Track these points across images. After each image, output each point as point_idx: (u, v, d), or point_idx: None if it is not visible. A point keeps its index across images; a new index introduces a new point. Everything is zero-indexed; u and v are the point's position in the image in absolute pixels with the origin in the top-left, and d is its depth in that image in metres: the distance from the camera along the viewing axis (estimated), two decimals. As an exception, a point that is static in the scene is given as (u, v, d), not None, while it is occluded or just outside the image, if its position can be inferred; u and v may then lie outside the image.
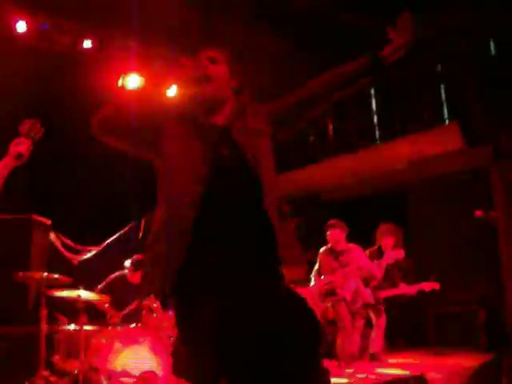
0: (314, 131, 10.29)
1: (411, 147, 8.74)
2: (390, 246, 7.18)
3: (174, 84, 8.48)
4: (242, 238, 2.31)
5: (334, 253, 6.96)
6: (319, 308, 6.59)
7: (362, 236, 8.92)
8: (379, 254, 7.21)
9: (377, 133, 10.31)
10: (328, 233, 7.02)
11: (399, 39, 2.59)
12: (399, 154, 8.96)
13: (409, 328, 8.76)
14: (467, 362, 6.70)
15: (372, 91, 10.16)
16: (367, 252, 7.20)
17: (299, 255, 8.21)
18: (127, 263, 6.17)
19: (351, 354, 6.42)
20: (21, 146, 3.47)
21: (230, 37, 8.38)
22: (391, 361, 7.10)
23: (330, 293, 6.70)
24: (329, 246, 7.06)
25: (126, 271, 6.18)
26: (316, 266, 7.15)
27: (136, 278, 6.06)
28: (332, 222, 7.09)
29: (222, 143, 2.48)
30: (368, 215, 9.07)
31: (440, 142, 8.61)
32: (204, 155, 2.41)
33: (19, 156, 3.47)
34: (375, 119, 10.90)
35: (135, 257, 6.17)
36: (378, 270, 6.95)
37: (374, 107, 10.64)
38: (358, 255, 6.90)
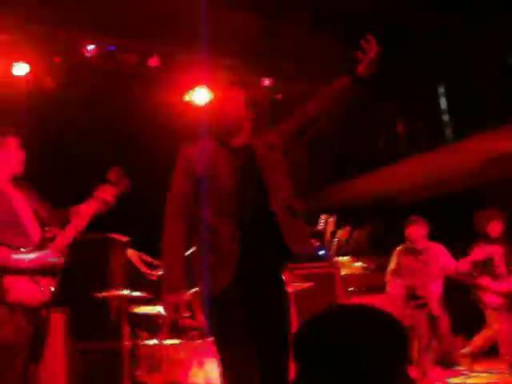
0: (383, 134, 10.13)
1: (487, 144, 8.46)
2: (498, 232, 6.36)
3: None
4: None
5: (414, 252, 6.34)
6: (401, 315, 5.97)
7: (441, 238, 8.72)
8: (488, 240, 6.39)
9: (448, 131, 10.05)
10: (408, 229, 6.41)
11: (367, 57, 3.09)
12: (474, 151, 8.69)
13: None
14: None
15: (442, 89, 9.91)
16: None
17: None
18: None
19: (426, 364, 5.97)
20: (108, 194, 3.61)
21: (289, 43, 8.38)
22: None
23: (411, 296, 6.14)
24: (408, 244, 6.44)
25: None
26: (391, 267, 6.48)
27: None
28: (413, 217, 6.49)
29: (242, 159, 3.16)
30: (444, 216, 8.84)
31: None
32: (230, 171, 3.10)
33: (106, 203, 3.60)
34: (446, 118, 10.63)
35: None
36: (465, 265, 6.28)
37: (444, 105, 10.38)
38: (439, 253, 6.33)
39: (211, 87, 8.19)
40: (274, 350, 2.99)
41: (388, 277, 6.50)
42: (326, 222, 7.55)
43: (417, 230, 6.36)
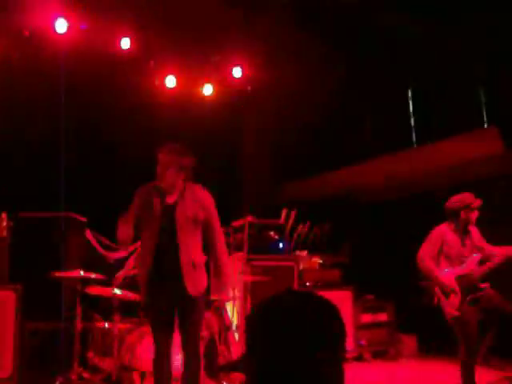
0: (351, 132, 10.20)
1: (450, 150, 8.59)
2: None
3: (208, 83, 8.58)
4: None
5: (460, 233, 5.32)
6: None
7: (391, 238, 8.86)
8: None
9: (413, 135, 10.17)
10: (473, 206, 5.31)
11: None
12: (437, 157, 8.81)
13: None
14: None
15: (409, 93, 10.03)
16: None
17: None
18: None
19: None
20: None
21: (266, 34, 8.38)
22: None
23: (467, 288, 5.12)
24: (455, 225, 5.33)
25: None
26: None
27: None
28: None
29: (168, 214, 4.27)
30: (403, 217, 8.95)
31: (479, 146, 8.45)
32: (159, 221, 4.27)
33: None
34: (412, 121, 10.76)
35: None
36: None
37: (411, 109, 10.51)
38: (479, 238, 5.41)
39: (180, 73, 8.14)
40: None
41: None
42: (287, 215, 7.59)
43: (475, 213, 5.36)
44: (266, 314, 1.46)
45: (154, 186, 4.33)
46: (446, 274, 5.15)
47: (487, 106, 9.14)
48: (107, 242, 6.29)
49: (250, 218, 7.07)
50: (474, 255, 5.22)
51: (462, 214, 5.26)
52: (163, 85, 8.30)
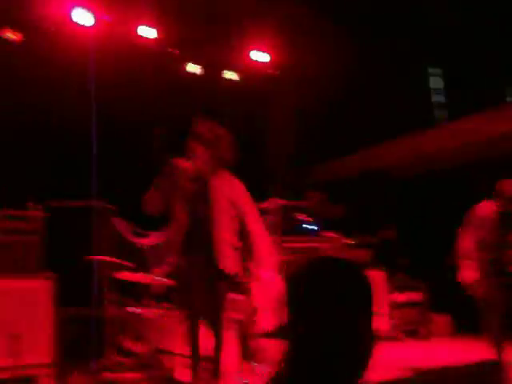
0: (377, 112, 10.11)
1: (483, 125, 8.45)
2: None
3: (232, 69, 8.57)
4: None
5: (504, 217, 4.97)
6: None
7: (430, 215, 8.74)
8: None
9: (439, 112, 10.07)
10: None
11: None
12: (471, 131, 8.68)
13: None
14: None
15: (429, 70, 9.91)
16: None
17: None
18: None
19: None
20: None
21: (287, 18, 8.32)
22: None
23: (498, 271, 4.89)
24: (501, 206, 4.98)
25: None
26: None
27: None
28: None
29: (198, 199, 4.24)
30: (436, 194, 8.85)
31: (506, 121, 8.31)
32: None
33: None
34: (443, 98, 10.64)
35: None
36: None
37: (441, 86, 10.39)
38: None
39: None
40: None
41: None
42: (316, 196, 7.57)
43: None
44: (313, 276, 1.48)
45: (185, 163, 4.27)
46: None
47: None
48: (137, 229, 6.35)
49: (279, 200, 7.06)
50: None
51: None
52: (188, 72, 8.32)
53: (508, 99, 8.58)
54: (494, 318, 4.84)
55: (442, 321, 7.82)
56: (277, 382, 1.48)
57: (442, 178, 8.91)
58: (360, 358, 1.44)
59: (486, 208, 5.03)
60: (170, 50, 8.21)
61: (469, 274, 4.94)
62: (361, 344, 1.43)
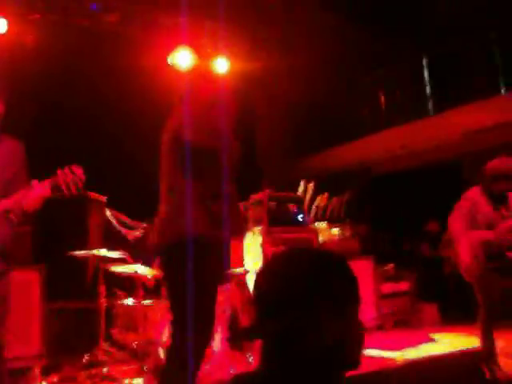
0: (367, 104, 10.14)
1: (466, 118, 8.52)
2: None
3: (222, 57, 8.53)
4: None
5: (494, 200, 4.92)
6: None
7: (414, 208, 8.81)
8: None
9: (430, 104, 10.08)
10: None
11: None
12: (453, 125, 8.75)
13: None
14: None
15: (424, 61, 9.92)
16: None
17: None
18: None
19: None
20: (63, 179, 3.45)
21: (279, 10, 8.33)
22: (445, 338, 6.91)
23: (492, 255, 4.81)
24: (489, 191, 4.95)
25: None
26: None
27: None
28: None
29: None
30: (421, 187, 8.93)
31: (496, 113, 8.38)
32: None
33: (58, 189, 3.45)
34: (428, 90, 10.66)
35: None
36: None
37: (426, 77, 10.40)
38: None
39: (194, 50, 8.12)
40: None
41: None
42: (305, 188, 7.60)
43: None
44: (288, 268, 1.45)
45: None
46: (473, 234, 4.83)
47: (504, 71, 9.03)
48: (127, 220, 6.35)
49: (268, 191, 7.09)
50: (508, 223, 4.79)
51: (500, 181, 4.88)
52: (175, 64, 8.28)
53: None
54: (486, 303, 4.81)
55: (431, 310, 7.89)
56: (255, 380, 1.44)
57: (432, 171, 8.99)
58: (347, 350, 1.41)
59: (475, 192, 5.01)
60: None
61: (465, 256, 4.89)
62: (346, 335, 1.40)
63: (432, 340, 6.93)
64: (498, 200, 4.92)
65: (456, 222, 4.96)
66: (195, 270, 3.04)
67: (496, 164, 4.95)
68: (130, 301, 5.58)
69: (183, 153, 3.18)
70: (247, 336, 1.62)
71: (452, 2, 9.67)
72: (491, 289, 4.80)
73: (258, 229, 6.93)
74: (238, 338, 1.58)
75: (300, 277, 1.42)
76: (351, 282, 1.47)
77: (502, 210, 4.90)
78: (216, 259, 3.29)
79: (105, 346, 5.41)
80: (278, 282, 1.43)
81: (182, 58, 8.06)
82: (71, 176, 3.40)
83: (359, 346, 1.44)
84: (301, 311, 1.38)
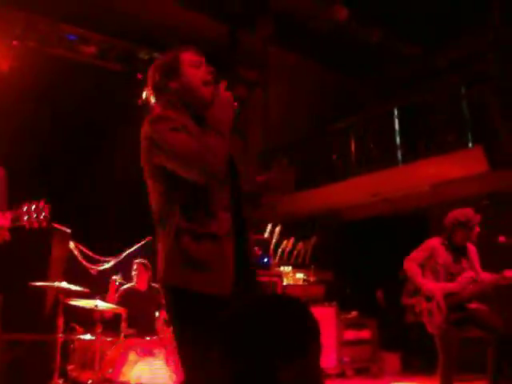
0: (337, 150, 10.25)
1: (434, 169, 8.66)
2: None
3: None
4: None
5: (454, 250, 5.02)
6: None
7: (381, 255, 8.86)
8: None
9: (399, 153, 10.23)
10: (471, 223, 5.02)
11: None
12: (422, 175, 8.88)
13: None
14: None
15: (395, 111, 10.09)
16: None
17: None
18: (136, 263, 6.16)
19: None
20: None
21: (252, 49, 8.45)
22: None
23: (453, 307, 4.82)
24: (449, 241, 5.04)
25: (134, 282, 6.16)
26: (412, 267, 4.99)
27: (143, 284, 6.11)
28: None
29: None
30: (389, 235, 8.99)
31: (464, 165, 8.53)
32: None
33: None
34: (398, 140, 10.84)
35: (140, 260, 6.19)
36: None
37: (396, 127, 10.58)
38: (475, 257, 5.11)
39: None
40: None
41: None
42: (271, 231, 7.60)
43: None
44: (250, 314, 1.45)
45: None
46: (434, 285, 4.89)
47: (473, 126, 9.23)
48: (91, 253, 6.26)
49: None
50: (468, 274, 4.91)
51: (459, 230, 5.01)
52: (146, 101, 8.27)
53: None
54: (446, 355, 4.83)
55: (392, 359, 7.88)
56: None
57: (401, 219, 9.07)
58: None
59: (435, 241, 5.10)
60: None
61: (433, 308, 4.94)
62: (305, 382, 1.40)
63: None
64: (458, 251, 5.02)
65: (412, 262, 5.02)
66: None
67: (455, 214, 5.07)
68: (87, 336, 5.46)
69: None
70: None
71: (425, 58, 9.93)
72: (452, 340, 4.83)
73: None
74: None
75: (259, 322, 1.41)
76: (310, 330, 1.45)
77: (463, 262, 5.00)
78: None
79: (59, 382, 5.26)
80: (239, 325, 1.43)
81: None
82: (36, 211, 3.36)
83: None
84: (257, 356, 1.37)
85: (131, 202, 7.49)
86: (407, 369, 7.80)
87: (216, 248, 2.40)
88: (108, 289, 5.93)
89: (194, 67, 2.63)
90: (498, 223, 8.09)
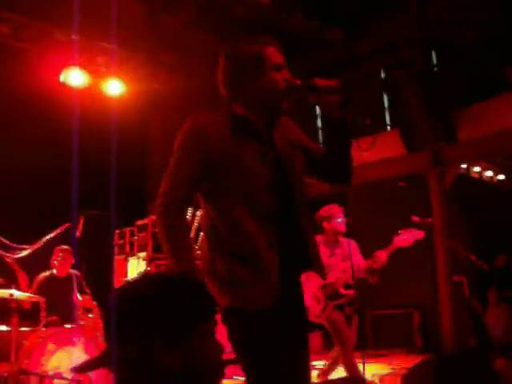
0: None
1: (352, 152, 8.86)
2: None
3: (116, 79, 8.36)
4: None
5: (331, 245, 5.42)
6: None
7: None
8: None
9: (320, 136, 10.41)
10: (334, 216, 5.40)
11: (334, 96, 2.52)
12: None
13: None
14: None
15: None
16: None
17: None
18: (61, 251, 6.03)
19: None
20: None
21: (171, 32, 8.34)
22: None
23: (331, 295, 5.05)
24: (325, 236, 5.47)
25: (55, 270, 6.03)
26: None
27: (64, 271, 5.99)
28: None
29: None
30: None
31: (381, 148, 8.77)
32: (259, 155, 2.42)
33: None
34: (319, 123, 11.02)
35: (64, 246, 6.08)
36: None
37: (317, 111, 10.75)
38: (353, 247, 5.46)
39: (85, 69, 7.94)
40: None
41: None
42: (192, 215, 7.59)
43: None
44: (131, 299, 1.42)
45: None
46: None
47: (390, 110, 9.50)
48: (5, 241, 6.07)
49: (153, 217, 7.01)
50: (340, 264, 5.22)
51: (326, 225, 5.38)
52: (67, 82, 8.04)
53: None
54: (341, 332, 5.14)
55: (313, 338, 8.04)
56: None
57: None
58: (199, 373, 1.40)
59: (318, 240, 5.33)
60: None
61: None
62: (197, 358, 1.39)
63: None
64: (332, 245, 5.39)
65: None
66: None
67: (321, 210, 5.47)
68: (3, 327, 5.32)
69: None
70: (98, 365, 1.57)
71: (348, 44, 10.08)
72: (338, 321, 5.12)
73: (142, 255, 6.84)
74: (88, 368, 1.49)
75: (145, 302, 1.39)
76: (198, 311, 1.44)
77: (338, 252, 5.35)
78: None
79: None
80: (128, 307, 1.40)
81: (75, 77, 7.86)
82: None
83: (213, 366, 1.43)
84: (146, 337, 1.36)
85: (49, 187, 7.32)
86: (328, 348, 7.97)
87: (250, 265, 2.33)
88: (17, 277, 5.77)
89: (276, 70, 2.45)
90: (413, 204, 8.39)
